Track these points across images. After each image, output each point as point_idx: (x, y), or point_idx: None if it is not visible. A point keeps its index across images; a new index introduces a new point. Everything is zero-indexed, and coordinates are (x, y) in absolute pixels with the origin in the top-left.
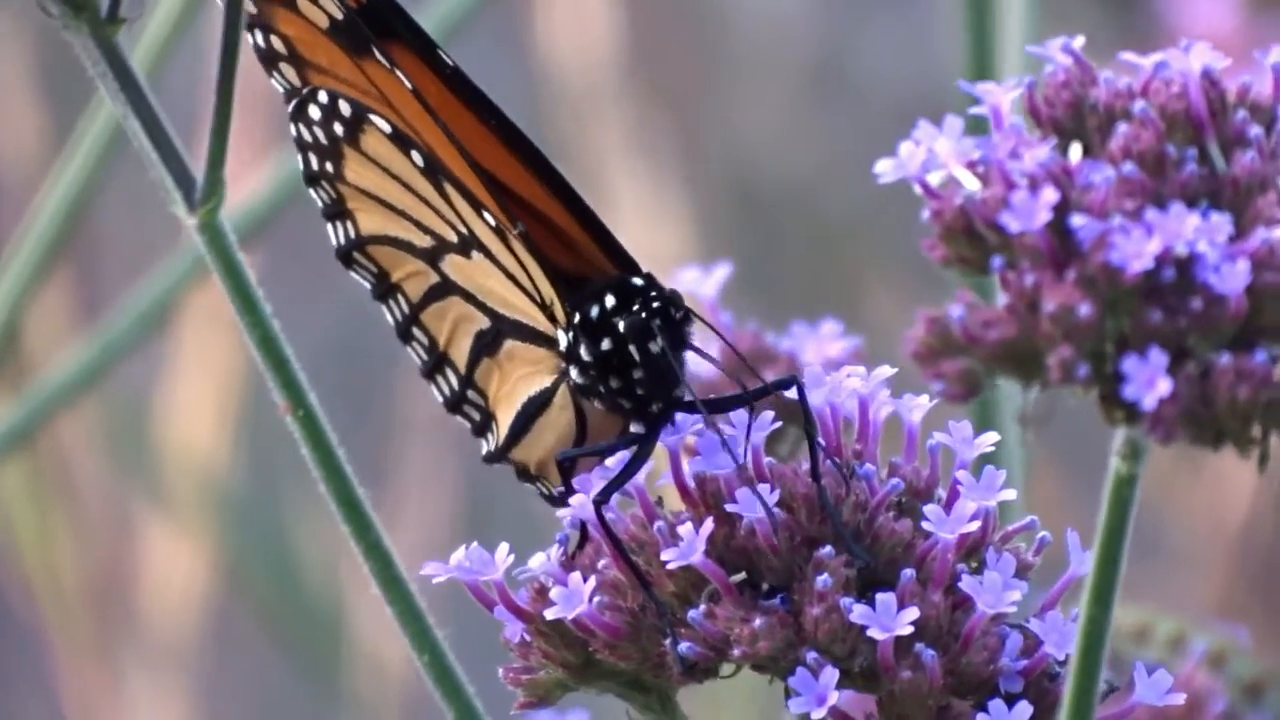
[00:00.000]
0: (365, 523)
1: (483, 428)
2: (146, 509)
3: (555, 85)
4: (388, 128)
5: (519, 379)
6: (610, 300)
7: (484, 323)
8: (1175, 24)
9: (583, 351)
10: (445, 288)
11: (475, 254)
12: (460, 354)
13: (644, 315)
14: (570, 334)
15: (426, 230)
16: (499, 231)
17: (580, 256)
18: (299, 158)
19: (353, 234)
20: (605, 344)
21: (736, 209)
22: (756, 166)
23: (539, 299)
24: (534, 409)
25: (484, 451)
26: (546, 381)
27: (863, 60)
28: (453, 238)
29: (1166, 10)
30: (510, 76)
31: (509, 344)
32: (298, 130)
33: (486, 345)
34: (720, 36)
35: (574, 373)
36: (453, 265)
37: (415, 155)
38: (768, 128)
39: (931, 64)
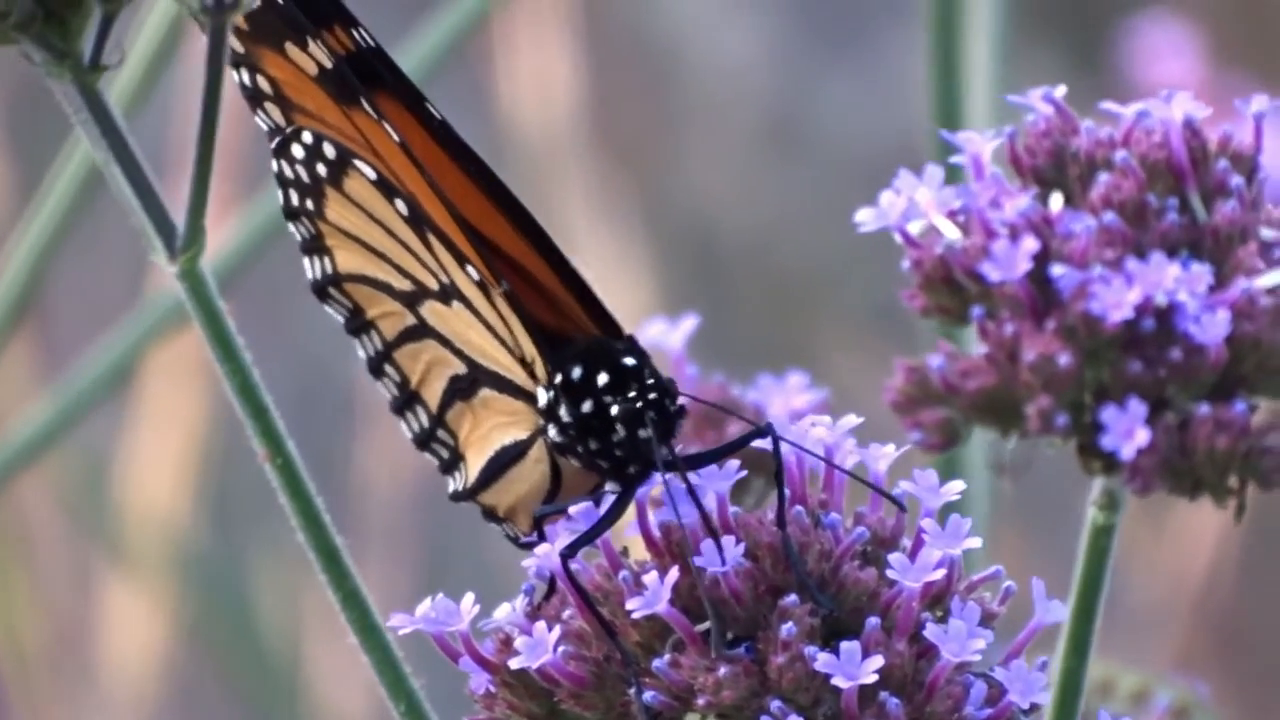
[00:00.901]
0: (343, 571)
1: (450, 467)
2: (106, 566)
3: (515, 141)
4: (372, 174)
5: (493, 426)
6: (604, 378)
7: (460, 368)
8: (1141, 80)
9: (562, 412)
10: (421, 330)
11: (455, 303)
12: (432, 395)
13: (639, 405)
14: (550, 393)
15: (406, 275)
16: (481, 285)
17: (561, 313)
18: (280, 193)
19: (330, 270)
20: (586, 406)
21: (695, 264)
22: (715, 222)
23: (519, 354)
24: (508, 459)
25: (451, 489)
26: (522, 434)
27: (820, 116)
28: (433, 285)
29: (1132, 66)
30: (471, 132)
31: (485, 392)
32: (280, 166)
33: (461, 390)
34: (679, 92)
35: (552, 430)
36: (431, 311)
37: (399, 203)
38: (726, 183)
39: (888, 120)
